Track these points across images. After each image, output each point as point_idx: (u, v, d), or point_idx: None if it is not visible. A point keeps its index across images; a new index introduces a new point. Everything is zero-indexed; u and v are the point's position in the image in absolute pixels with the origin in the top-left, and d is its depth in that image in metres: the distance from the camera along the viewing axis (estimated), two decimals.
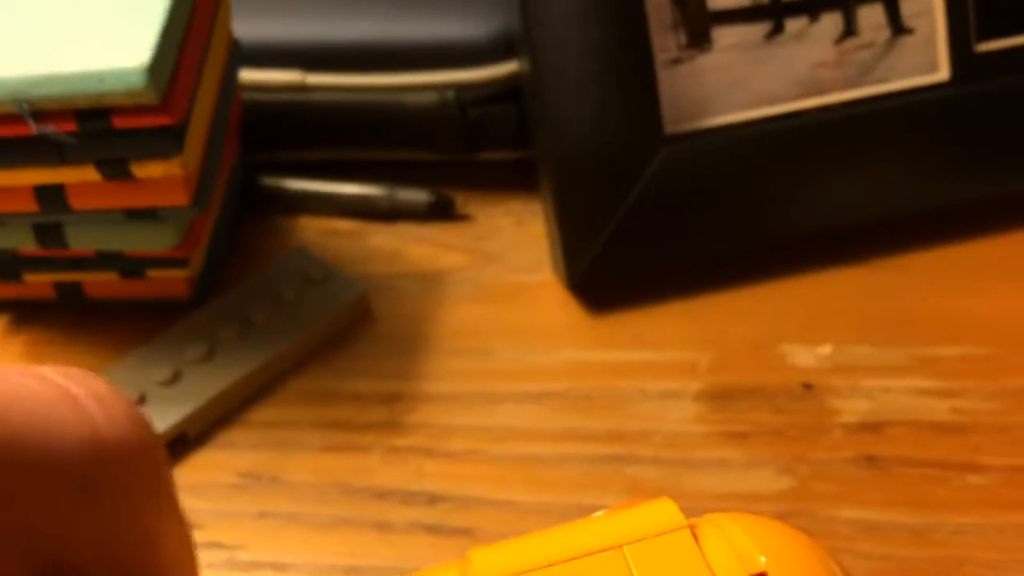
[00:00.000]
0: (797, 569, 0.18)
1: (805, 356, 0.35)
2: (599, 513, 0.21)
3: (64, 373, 0.13)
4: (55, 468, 0.12)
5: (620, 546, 0.18)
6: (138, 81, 0.29)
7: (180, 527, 0.14)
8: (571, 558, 0.18)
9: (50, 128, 0.29)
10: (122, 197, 0.32)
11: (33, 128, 0.29)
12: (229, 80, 0.37)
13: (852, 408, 0.33)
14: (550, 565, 0.18)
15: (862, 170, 0.37)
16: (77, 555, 0.12)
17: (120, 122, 0.30)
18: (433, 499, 0.32)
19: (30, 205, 0.33)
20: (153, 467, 0.13)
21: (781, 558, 0.18)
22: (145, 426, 0.13)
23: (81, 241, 0.34)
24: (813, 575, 0.18)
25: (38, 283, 0.37)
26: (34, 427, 0.12)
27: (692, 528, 0.19)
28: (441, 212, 0.41)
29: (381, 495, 0.32)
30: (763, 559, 0.18)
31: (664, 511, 0.19)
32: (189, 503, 0.32)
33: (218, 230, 0.38)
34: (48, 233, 0.34)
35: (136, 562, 0.13)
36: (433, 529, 0.31)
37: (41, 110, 0.29)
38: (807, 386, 0.34)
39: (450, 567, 0.20)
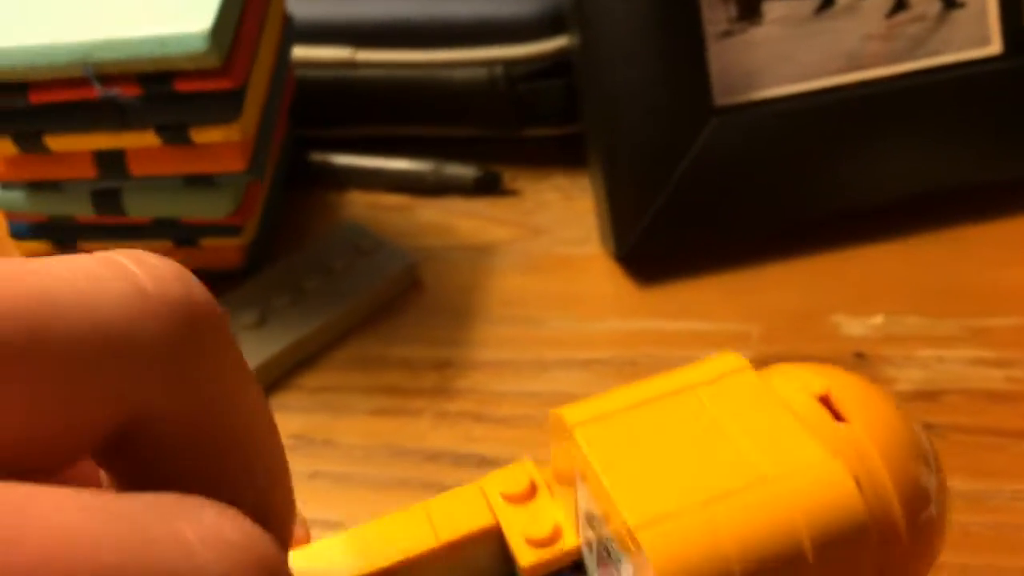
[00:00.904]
0: (854, 392, 0.20)
1: (857, 326, 0.35)
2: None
3: (118, 251, 0.13)
4: (98, 324, 0.12)
5: (694, 387, 0.20)
6: (201, 45, 0.29)
7: (254, 387, 0.14)
8: (651, 400, 0.20)
9: (114, 91, 0.30)
10: (181, 163, 0.33)
11: (98, 91, 0.30)
12: (283, 54, 0.38)
13: (906, 377, 0.33)
14: (634, 407, 0.20)
15: (912, 143, 0.37)
16: (144, 405, 0.12)
17: (182, 85, 0.30)
18: (483, 461, 0.32)
19: (89, 171, 0.33)
20: (207, 321, 0.13)
21: (841, 385, 0.20)
22: (195, 284, 0.13)
23: (138, 208, 0.35)
24: (872, 402, 0.20)
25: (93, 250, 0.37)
26: (73, 291, 0.12)
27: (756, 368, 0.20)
28: (488, 187, 0.41)
29: (431, 457, 0.32)
30: (823, 384, 0.20)
31: (730, 360, 0.21)
32: None
33: (270, 202, 0.39)
34: (106, 199, 0.34)
35: (209, 409, 0.13)
36: None
37: (106, 74, 0.30)
38: (860, 355, 0.34)
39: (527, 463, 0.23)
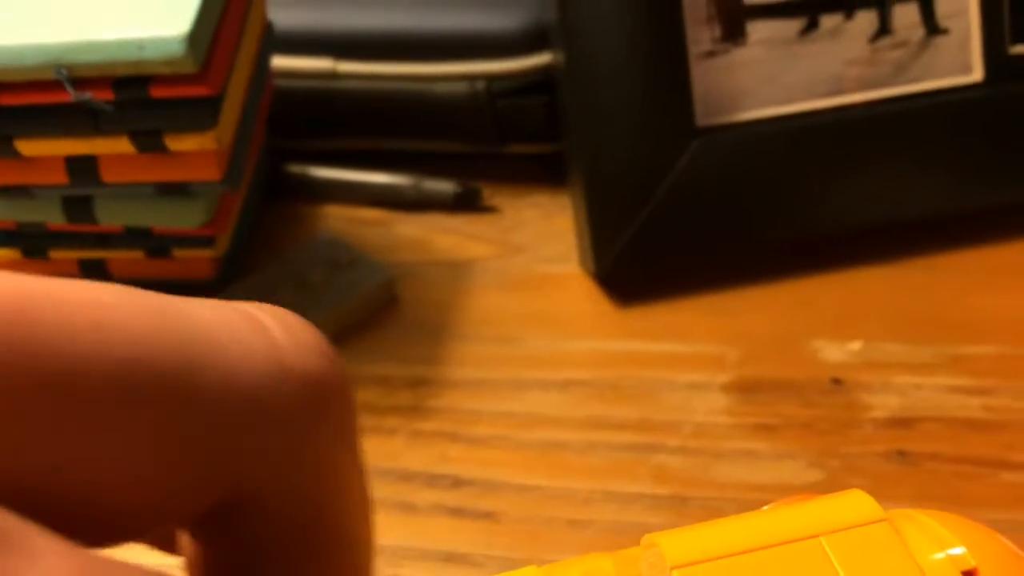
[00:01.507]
0: (1006, 568, 0.18)
1: (835, 351, 0.34)
2: (766, 508, 0.20)
3: (257, 305, 0.13)
4: (236, 392, 0.11)
5: (817, 536, 0.18)
6: (178, 49, 0.29)
7: (362, 474, 0.13)
8: (766, 546, 0.18)
9: (87, 95, 0.29)
10: (154, 171, 0.32)
11: (72, 95, 0.29)
12: (262, 63, 0.37)
13: (883, 403, 0.33)
14: (745, 552, 0.18)
15: (893, 169, 0.37)
16: (256, 483, 0.11)
17: (158, 91, 0.30)
18: (457, 482, 0.32)
19: (61, 177, 0.33)
20: (339, 402, 0.12)
21: (988, 557, 0.18)
22: (334, 359, 0.12)
23: (110, 216, 0.34)
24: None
25: (63, 260, 0.36)
26: (218, 349, 0.11)
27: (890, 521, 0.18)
28: (467, 203, 0.40)
29: (405, 477, 0.32)
30: (971, 558, 0.18)
31: (859, 502, 0.18)
32: None
33: (245, 213, 0.38)
34: (77, 207, 0.34)
35: (318, 498, 0.12)
36: (456, 512, 0.31)
37: (79, 77, 0.30)
38: (837, 381, 0.34)
39: (600, 559, 0.19)
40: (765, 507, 0.20)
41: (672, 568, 0.18)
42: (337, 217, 0.41)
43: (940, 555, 0.18)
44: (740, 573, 0.17)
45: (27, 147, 0.31)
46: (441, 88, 0.40)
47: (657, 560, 0.18)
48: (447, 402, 0.34)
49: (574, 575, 0.19)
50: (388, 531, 0.30)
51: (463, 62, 0.40)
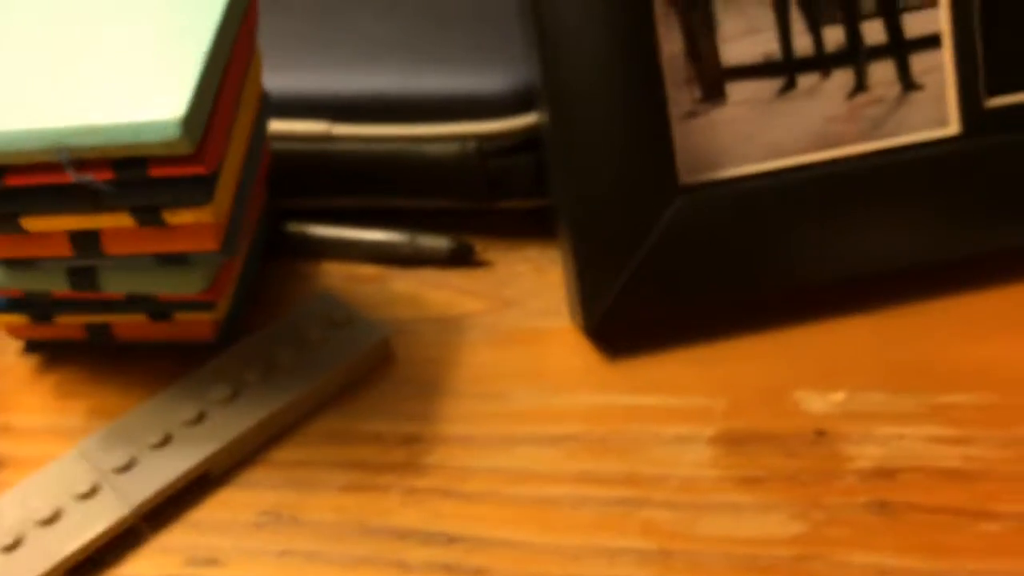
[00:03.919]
0: None
1: (818, 402, 0.35)
2: None
3: None
4: None
5: None
6: (174, 133, 0.30)
7: None
8: None
9: (88, 177, 0.31)
10: (154, 243, 0.33)
11: (72, 177, 0.31)
12: (259, 130, 0.39)
13: (865, 454, 0.33)
14: None
15: (874, 222, 0.38)
16: None
17: (156, 171, 0.31)
18: (450, 539, 0.33)
19: (65, 250, 0.34)
20: None
21: None
22: None
23: (113, 285, 0.35)
24: None
25: (69, 324, 0.38)
26: None
27: None
28: (461, 259, 0.42)
29: (400, 535, 0.33)
30: None
31: None
32: (212, 541, 0.33)
33: (244, 275, 0.39)
34: (81, 277, 0.35)
35: None
36: (450, 568, 0.32)
37: (80, 159, 0.31)
38: (820, 432, 0.34)
39: None
40: None
41: None
42: (334, 275, 0.42)
43: None
44: None
45: (32, 224, 0.33)
46: (433, 148, 0.41)
47: None
48: (440, 458, 0.35)
49: None
50: None
51: (454, 123, 0.41)
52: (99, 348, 0.39)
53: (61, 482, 0.34)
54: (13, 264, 0.35)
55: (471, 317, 0.40)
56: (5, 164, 0.31)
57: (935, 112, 0.38)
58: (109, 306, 0.36)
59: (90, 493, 0.33)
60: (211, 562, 0.32)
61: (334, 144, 0.42)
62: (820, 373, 0.36)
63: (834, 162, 0.38)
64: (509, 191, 0.41)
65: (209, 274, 0.35)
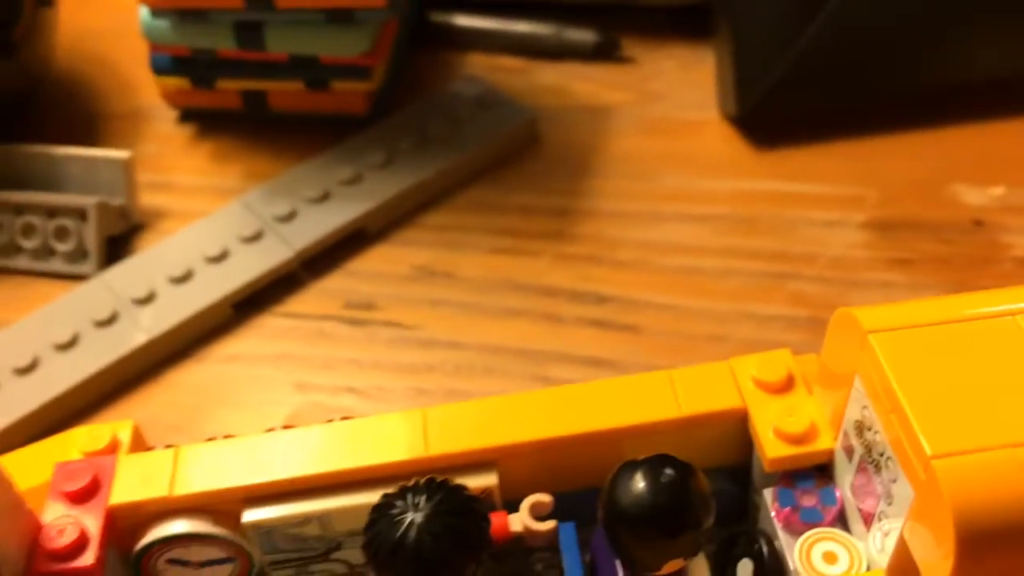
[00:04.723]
0: None
1: (976, 195, 0.35)
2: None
3: None
4: None
5: (1014, 313, 0.18)
6: None
7: None
8: (960, 319, 0.18)
9: None
10: None
11: None
12: None
13: None
14: (939, 323, 0.18)
15: None
16: None
17: None
18: (600, 299, 0.33)
19: (236, 3, 0.35)
20: None
21: None
22: None
23: (279, 43, 0.36)
24: None
25: (227, 90, 0.39)
26: None
27: None
28: (606, 52, 0.41)
29: (550, 292, 0.34)
30: None
31: None
32: (369, 288, 0.34)
33: (396, 52, 0.40)
34: (249, 33, 0.36)
35: None
36: (600, 324, 0.33)
37: None
38: (978, 223, 0.34)
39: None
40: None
41: (869, 331, 0.18)
42: (478, 65, 0.42)
43: None
44: (935, 340, 0.18)
45: None
46: None
47: (849, 324, 0.19)
48: (589, 229, 0.35)
49: None
50: (536, 338, 0.32)
51: None
52: (253, 118, 0.40)
53: (227, 226, 0.35)
54: (184, 15, 0.35)
55: (617, 107, 0.40)
56: None
57: None
58: (272, 69, 0.37)
59: (255, 237, 0.35)
60: (368, 306, 0.34)
61: None
62: (978, 169, 0.36)
63: None
64: None
65: (372, 35, 0.36)
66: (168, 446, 0.23)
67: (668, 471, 0.19)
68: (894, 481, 0.19)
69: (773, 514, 0.21)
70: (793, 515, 0.21)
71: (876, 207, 0.35)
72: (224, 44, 0.36)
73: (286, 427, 0.24)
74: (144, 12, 0.36)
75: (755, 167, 0.37)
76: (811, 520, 0.21)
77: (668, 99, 0.40)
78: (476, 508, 0.19)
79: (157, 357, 0.32)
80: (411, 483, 0.19)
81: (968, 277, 0.32)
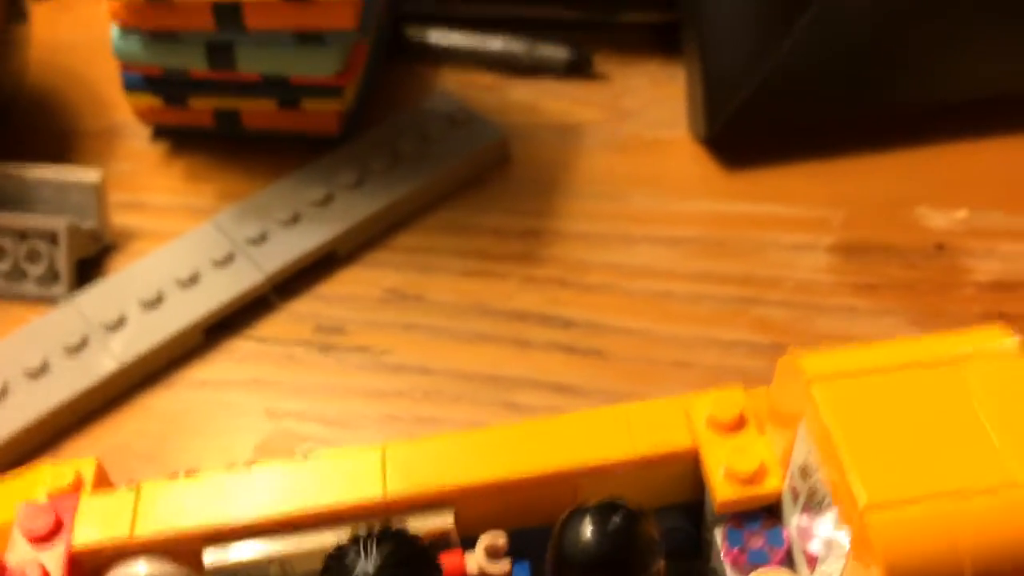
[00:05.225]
0: None
1: (939, 219, 0.35)
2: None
3: None
4: None
5: (955, 361, 0.18)
6: None
7: None
8: (902, 366, 0.18)
9: None
10: (295, 17, 0.34)
11: None
12: None
13: (985, 268, 0.34)
14: (880, 371, 0.18)
15: (1008, 41, 0.37)
16: None
17: None
18: (568, 323, 0.34)
19: (207, 23, 0.35)
20: None
21: None
22: None
23: (250, 63, 0.36)
24: None
25: (200, 109, 0.39)
26: None
27: None
28: (580, 69, 0.42)
29: (519, 316, 0.34)
30: None
31: (1000, 337, 0.18)
32: (339, 312, 0.35)
33: (368, 69, 0.40)
34: (220, 53, 0.36)
35: None
36: (568, 348, 0.33)
37: None
38: (940, 246, 0.34)
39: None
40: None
41: (811, 380, 0.18)
42: (451, 81, 0.42)
43: None
44: (876, 388, 0.18)
45: None
46: None
47: (793, 370, 0.19)
48: (557, 251, 0.36)
49: None
50: (506, 363, 0.33)
51: None
52: (226, 137, 0.40)
53: (199, 249, 0.35)
54: (156, 36, 0.36)
55: (588, 126, 0.40)
56: None
57: None
58: (243, 88, 0.37)
59: (226, 260, 0.35)
60: (338, 330, 0.34)
61: None
62: (942, 191, 0.36)
63: None
64: (633, 1, 0.41)
65: (343, 55, 0.36)
66: (131, 482, 0.23)
67: (615, 519, 0.19)
68: (834, 527, 0.19)
69: (723, 554, 0.22)
70: (741, 556, 0.21)
71: (842, 228, 0.35)
72: (196, 64, 0.36)
73: (249, 463, 0.24)
74: (115, 32, 0.36)
75: (725, 187, 0.37)
76: (759, 561, 0.21)
77: (640, 117, 0.40)
78: (427, 558, 0.19)
79: (127, 384, 0.33)
80: (364, 532, 0.19)
81: (931, 302, 0.33)
